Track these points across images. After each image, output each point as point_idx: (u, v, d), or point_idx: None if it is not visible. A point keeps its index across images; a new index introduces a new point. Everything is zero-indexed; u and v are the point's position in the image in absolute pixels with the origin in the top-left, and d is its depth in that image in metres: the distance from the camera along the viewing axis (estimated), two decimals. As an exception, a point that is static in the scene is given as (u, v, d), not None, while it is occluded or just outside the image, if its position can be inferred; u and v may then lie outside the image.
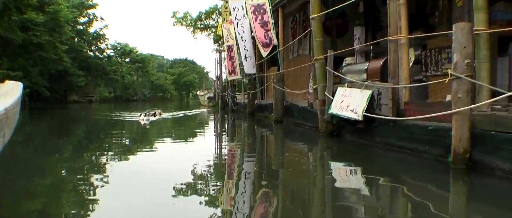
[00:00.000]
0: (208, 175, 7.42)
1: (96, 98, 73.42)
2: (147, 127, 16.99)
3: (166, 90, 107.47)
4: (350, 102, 10.43)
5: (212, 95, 49.15)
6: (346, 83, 11.36)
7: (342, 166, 8.56)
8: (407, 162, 8.28)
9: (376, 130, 9.93)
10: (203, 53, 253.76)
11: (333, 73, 12.01)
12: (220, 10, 44.66)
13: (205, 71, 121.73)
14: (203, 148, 11.62)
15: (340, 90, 11.19)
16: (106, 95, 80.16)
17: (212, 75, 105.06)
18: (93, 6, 66.79)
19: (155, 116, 20.94)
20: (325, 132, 11.91)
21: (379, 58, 11.41)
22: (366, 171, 7.81)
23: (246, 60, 22.64)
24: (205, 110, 34.82)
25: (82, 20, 67.05)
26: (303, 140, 12.95)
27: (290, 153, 10.58)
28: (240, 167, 8.56)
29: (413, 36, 9.65)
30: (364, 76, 11.39)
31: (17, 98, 3.62)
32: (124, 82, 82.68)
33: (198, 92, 66.24)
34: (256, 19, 18.31)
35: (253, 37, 23.38)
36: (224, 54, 40.40)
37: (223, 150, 11.25)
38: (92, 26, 69.90)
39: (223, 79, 38.66)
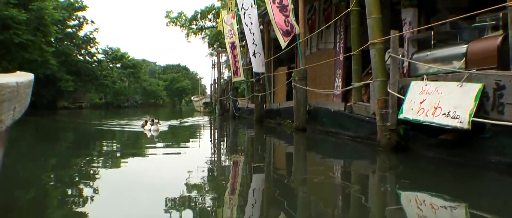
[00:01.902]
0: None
1: (86, 104, 70.08)
2: (155, 139, 13.04)
3: (158, 96, 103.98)
4: (439, 102, 6.83)
5: (208, 100, 45.56)
6: (423, 75, 7.77)
7: (428, 199, 5.09)
8: None
9: (486, 144, 6.35)
10: (196, 59, 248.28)
11: (402, 61, 8.41)
12: (218, 7, 41.29)
13: (198, 77, 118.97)
14: (216, 171, 7.94)
15: (418, 85, 7.57)
16: (97, 101, 76.91)
17: (205, 81, 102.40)
18: (82, 8, 63.14)
19: (155, 125, 15.65)
20: (387, 145, 8.24)
21: (487, 37, 7.75)
22: (478, 208, 4.58)
23: (255, 57, 18.94)
24: (202, 117, 30.40)
25: (71, 23, 63.55)
26: (348, 156, 9.27)
27: (332, 177, 6.88)
28: (264, 202, 5.11)
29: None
30: (458, 63, 7.72)
31: (29, 80, 3.62)
32: (115, 87, 78.89)
33: (192, 98, 62.56)
34: (274, 2, 14.67)
35: (261, 31, 19.83)
36: (222, 56, 37.07)
37: (239, 173, 7.54)
38: (82, 29, 66.33)
39: (221, 82, 34.98)
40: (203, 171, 7.03)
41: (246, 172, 7.33)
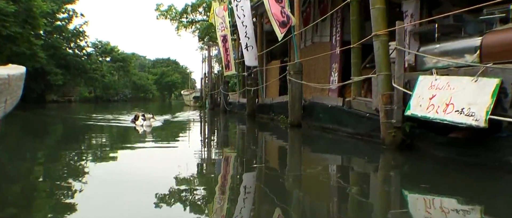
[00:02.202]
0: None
1: (75, 98, 68.90)
2: (147, 135, 12.12)
3: (148, 90, 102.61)
4: (451, 98, 6.32)
5: (198, 94, 44.82)
6: (432, 69, 7.26)
7: (438, 201, 4.69)
8: None
9: (503, 143, 5.89)
10: (186, 52, 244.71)
11: (405, 54, 7.90)
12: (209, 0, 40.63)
13: (188, 71, 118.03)
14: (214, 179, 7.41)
15: (426, 80, 7.06)
16: (86, 94, 75.64)
17: (195, 76, 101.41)
18: (72, 0, 62.02)
19: (148, 120, 14.10)
20: (391, 143, 7.73)
21: (504, 29, 7.21)
22: (495, 212, 4.28)
23: (247, 50, 18.35)
24: (193, 112, 29.45)
25: (61, 15, 62.45)
26: (349, 154, 8.75)
27: (334, 177, 6.36)
28: (262, 206, 4.62)
29: None
30: (470, 57, 7.18)
31: (20, 73, 3.75)
32: (105, 81, 77.39)
33: (182, 92, 61.69)
34: (270, -8, 14.16)
35: (254, 23, 19.27)
36: (213, 50, 36.52)
37: (236, 174, 6.94)
38: (71, 22, 64.98)
39: (211, 76, 34.28)
40: (197, 171, 6.52)
41: (244, 173, 6.79)
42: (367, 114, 9.42)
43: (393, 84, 7.78)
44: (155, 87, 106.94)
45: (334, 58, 13.76)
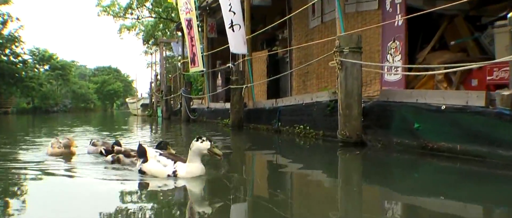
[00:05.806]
0: None
1: (12, 110, 62.21)
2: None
3: (89, 100, 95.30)
4: None
5: (146, 101, 38.23)
6: None
7: None
8: None
9: None
10: (127, 61, 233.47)
11: None
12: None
13: (130, 79, 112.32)
14: None
15: None
16: (24, 105, 68.83)
17: (137, 85, 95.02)
18: (6, 1, 55.04)
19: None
20: None
21: None
22: None
23: (233, 30, 12.12)
24: (152, 125, 20.46)
25: (-7, 19, 55.78)
26: None
27: None
28: None
29: None
30: None
31: None
32: (42, 90, 70.65)
33: (127, 100, 54.87)
34: None
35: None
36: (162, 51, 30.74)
37: None
38: (6, 27, 58.47)
39: (165, 77, 27.86)
40: None
41: None
42: None
43: None
44: (96, 96, 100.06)
45: (392, 32, 8.20)
